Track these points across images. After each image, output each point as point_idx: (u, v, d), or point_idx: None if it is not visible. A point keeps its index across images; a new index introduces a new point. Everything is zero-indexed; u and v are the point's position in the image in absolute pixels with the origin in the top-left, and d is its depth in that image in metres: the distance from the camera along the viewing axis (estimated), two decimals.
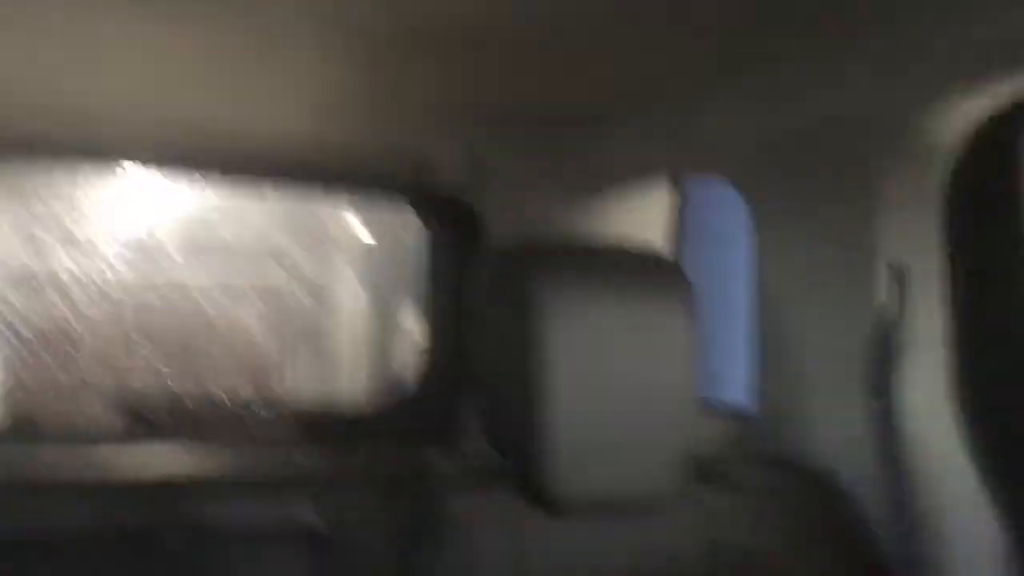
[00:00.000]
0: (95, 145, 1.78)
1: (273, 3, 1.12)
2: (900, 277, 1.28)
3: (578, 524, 1.18)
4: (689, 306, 1.19)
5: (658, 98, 1.49)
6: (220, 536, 1.18)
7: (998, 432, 1.25)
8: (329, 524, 1.18)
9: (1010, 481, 1.23)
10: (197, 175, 1.85)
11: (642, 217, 1.86)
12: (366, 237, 7.05)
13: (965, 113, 1.19)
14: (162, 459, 1.33)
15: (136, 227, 6.62)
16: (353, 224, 6.95)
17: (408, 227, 2.31)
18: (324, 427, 2.16)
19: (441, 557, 1.14)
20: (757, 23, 1.13)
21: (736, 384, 1.81)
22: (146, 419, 2.03)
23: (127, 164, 1.93)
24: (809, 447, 1.40)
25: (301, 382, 7.50)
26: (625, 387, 1.15)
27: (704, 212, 1.96)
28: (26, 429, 2.00)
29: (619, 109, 1.55)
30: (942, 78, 1.17)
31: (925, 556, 1.24)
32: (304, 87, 1.48)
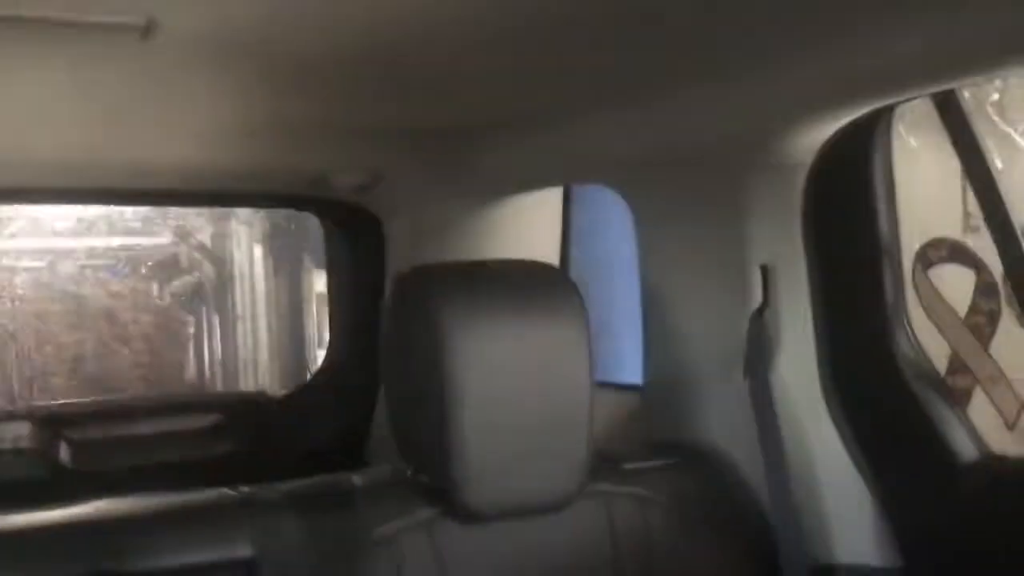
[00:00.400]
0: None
1: (171, 40, 1.15)
2: (768, 273, 1.41)
3: (491, 530, 1.25)
4: (579, 312, 1.28)
5: (549, 112, 1.56)
6: (165, 574, 1.19)
7: (859, 406, 1.40)
8: (260, 551, 1.21)
9: (872, 449, 1.38)
10: (113, 203, 1.85)
11: (534, 220, 1.96)
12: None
13: (819, 132, 1.32)
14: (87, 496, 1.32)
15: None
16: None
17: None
18: (235, 421, 2.19)
19: (368, 570, 1.20)
20: (641, 47, 1.22)
21: (630, 366, 1.94)
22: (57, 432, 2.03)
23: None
24: (693, 429, 1.51)
25: (204, 370, 7.36)
26: (527, 395, 1.24)
27: (594, 212, 2.08)
28: None
29: (512, 122, 1.63)
30: (799, 103, 1.29)
31: (808, 526, 1.37)
32: (204, 116, 1.51)
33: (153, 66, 1.25)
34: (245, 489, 1.29)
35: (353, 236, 2.07)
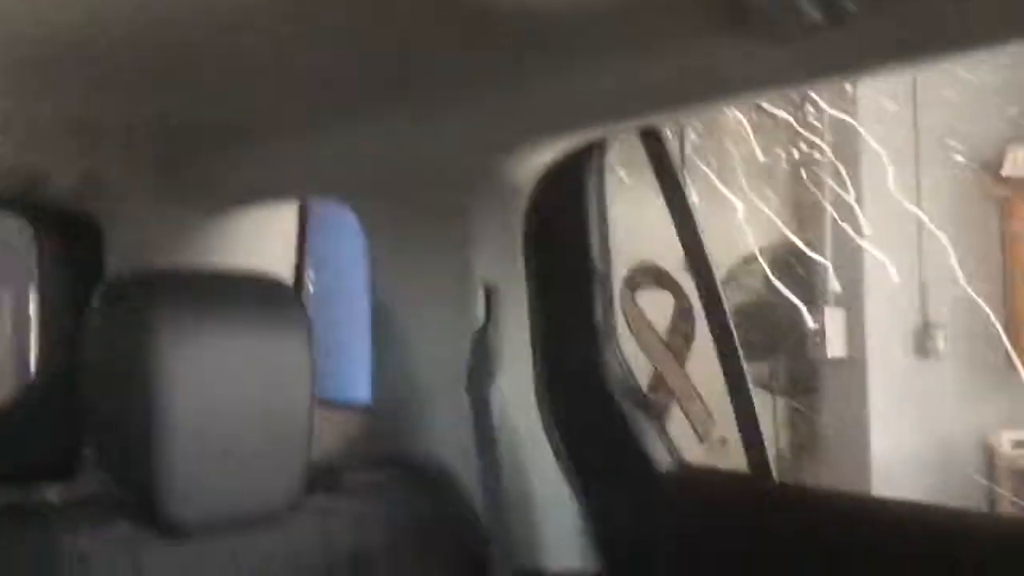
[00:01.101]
0: None
1: None
2: (491, 293, 1.47)
3: (198, 545, 1.22)
4: (303, 326, 1.27)
5: (284, 123, 1.56)
6: None
7: (569, 420, 1.48)
8: None
9: (580, 461, 1.47)
10: None
11: (269, 236, 1.93)
12: None
13: (539, 159, 1.40)
14: None
15: None
16: None
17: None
18: None
19: None
20: (373, 64, 1.25)
21: (362, 383, 1.95)
22: None
23: None
24: (418, 443, 1.53)
25: None
26: (243, 409, 1.22)
27: (335, 232, 2.07)
28: None
29: (245, 130, 1.61)
30: (518, 131, 1.36)
31: (519, 535, 1.42)
32: None
33: None
34: None
35: (70, 245, 1.95)
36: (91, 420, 1.27)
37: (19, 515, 1.21)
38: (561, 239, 1.45)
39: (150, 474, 1.17)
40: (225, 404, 1.21)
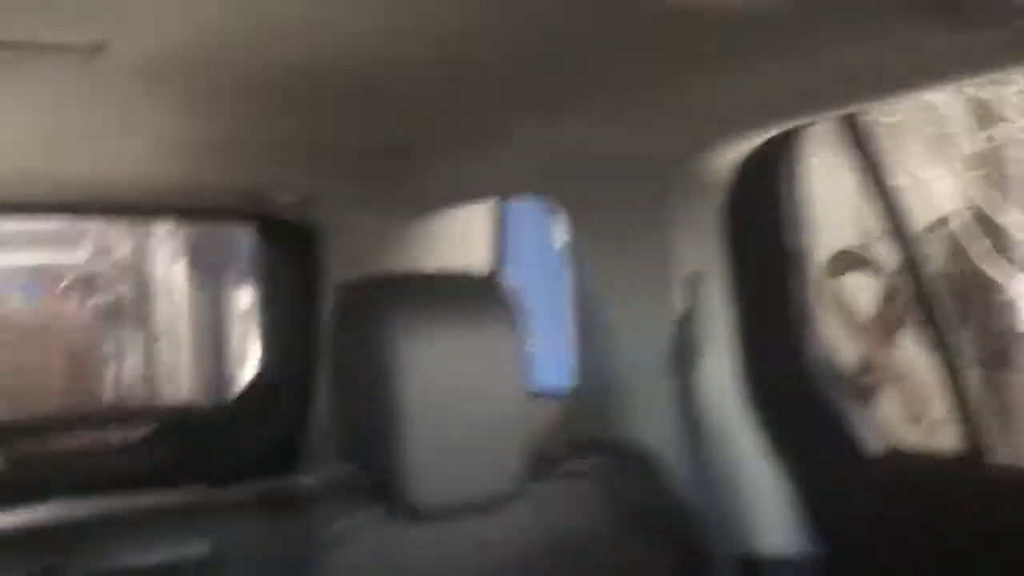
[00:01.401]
0: None
1: (117, 60, 1.19)
2: (692, 281, 1.51)
3: (436, 527, 1.31)
4: (515, 320, 1.35)
5: (481, 128, 1.64)
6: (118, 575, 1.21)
7: (774, 405, 1.50)
8: (216, 553, 1.25)
9: (788, 446, 1.48)
10: (39, 215, 1.86)
11: (468, 233, 2.03)
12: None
13: (737, 149, 1.42)
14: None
15: None
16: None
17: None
18: (171, 432, 2.20)
19: (325, 570, 1.25)
20: (567, 65, 1.30)
21: (559, 371, 2.01)
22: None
23: None
24: (622, 430, 1.58)
25: (131, 383, 7.22)
26: (467, 399, 1.30)
27: (522, 222, 2.15)
28: None
29: (444, 139, 1.70)
30: (718, 122, 1.39)
31: (731, 521, 1.45)
32: (147, 133, 1.55)
33: (99, 84, 1.29)
34: (198, 491, 1.33)
35: (288, 252, 2.10)
36: (336, 412, 1.38)
37: (277, 501, 1.33)
38: (760, 225, 1.47)
39: (392, 460, 1.27)
40: (451, 395, 1.29)
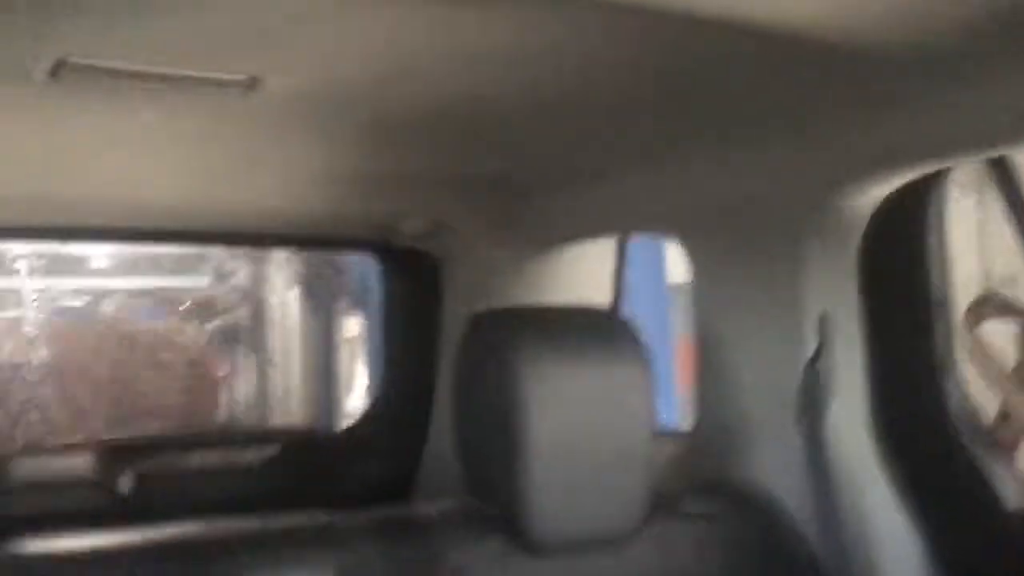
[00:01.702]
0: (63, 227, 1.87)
1: (269, 97, 1.24)
2: (824, 322, 1.47)
3: (556, 563, 1.30)
4: (643, 359, 1.35)
5: (608, 163, 1.64)
6: None
7: (908, 454, 1.44)
8: (341, 575, 1.24)
9: (921, 497, 1.43)
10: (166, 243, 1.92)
11: (588, 268, 2.03)
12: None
13: (877, 190, 1.39)
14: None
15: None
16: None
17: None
18: (289, 457, 2.24)
19: None
20: (699, 105, 1.30)
21: (668, 410, 1.97)
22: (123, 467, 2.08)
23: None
24: (744, 472, 1.55)
25: (246, 406, 7.42)
26: (593, 434, 1.30)
27: (636, 258, 2.15)
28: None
29: (571, 173, 1.71)
30: (857, 163, 1.36)
31: (855, 567, 1.40)
32: (290, 165, 1.60)
33: (250, 119, 1.34)
34: (323, 515, 1.34)
35: (412, 280, 2.14)
36: (458, 442, 1.39)
37: (396, 529, 1.33)
38: (898, 269, 1.43)
39: (516, 494, 1.27)
40: (578, 431, 1.29)
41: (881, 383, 1.45)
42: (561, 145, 1.55)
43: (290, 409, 7.14)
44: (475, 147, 1.55)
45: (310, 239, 2.20)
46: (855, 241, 1.44)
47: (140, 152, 1.49)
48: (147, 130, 1.38)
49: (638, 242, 2.29)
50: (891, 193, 1.39)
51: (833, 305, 1.46)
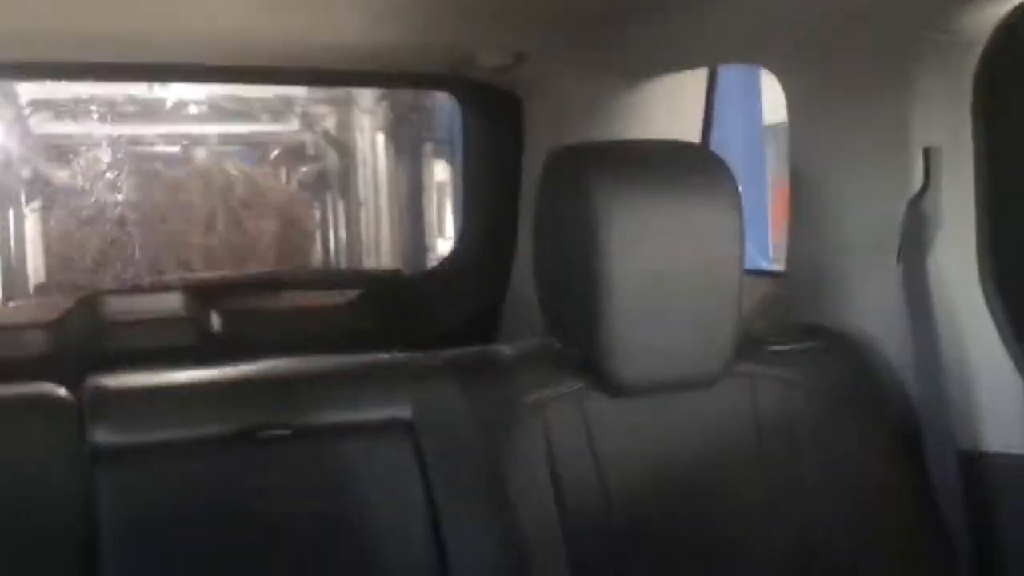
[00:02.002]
0: (148, 59, 1.84)
1: None
2: (931, 156, 1.37)
3: (638, 403, 1.29)
4: (733, 195, 1.28)
5: None
6: (324, 430, 1.24)
7: (1018, 295, 1.36)
8: (419, 412, 1.26)
9: None
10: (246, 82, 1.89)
11: (677, 102, 1.93)
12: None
13: (993, 5, 1.26)
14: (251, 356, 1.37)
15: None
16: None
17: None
18: (373, 297, 2.26)
19: (521, 438, 1.25)
20: None
21: (760, 250, 1.90)
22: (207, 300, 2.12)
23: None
24: (841, 313, 1.49)
25: (335, 250, 7.57)
26: (679, 274, 1.25)
27: (728, 91, 2.04)
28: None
29: (659, 0, 1.61)
30: None
31: (956, 413, 1.36)
32: None
33: None
34: (402, 355, 1.34)
35: (493, 118, 2.08)
36: (539, 283, 1.35)
37: (485, 367, 1.33)
38: (1019, 97, 1.31)
39: (597, 334, 1.24)
40: (662, 270, 1.25)
41: (992, 222, 1.37)
42: None
43: (379, 253, 7.24)
44: None
45: (389, 75, 2.14)
46: (969, 67, 1.33)
47: None
48: None
49: (732, 77, 2.18)
50: (1013, 11, 1.26)
51: (942, 138, 1.36)
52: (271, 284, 2.40)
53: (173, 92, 6.94)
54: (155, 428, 1.20)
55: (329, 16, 1.63)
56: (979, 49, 1.31)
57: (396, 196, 7.40)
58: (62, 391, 1.22)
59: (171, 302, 2.09)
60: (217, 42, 1.73)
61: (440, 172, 7.48)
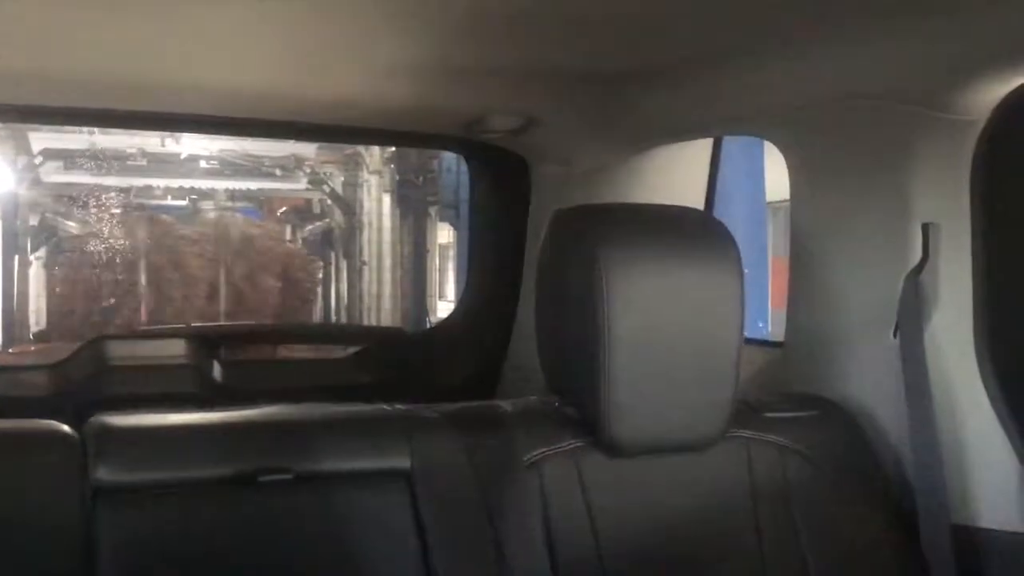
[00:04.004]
0: (158, 108, 1.87)
1: None
2: (929, 232, 1.39)
3: (634, 463, 1.29)
4: (735, 262, 1.30)
5: (704, 60, 1.56)
6: (324, 477, 1.24)
7: (1014, 370, 1.37)
8: (418, 464, 1.26)
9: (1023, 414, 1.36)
10: (261, 136, 1.92)
11: (682, 170, 1.96)
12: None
13: (997, 88, 1.29)
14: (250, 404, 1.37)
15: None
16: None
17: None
18: (373, 352, 2.26)
19: (517, 493, 1.26)
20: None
21: (759, 320, 1.91)
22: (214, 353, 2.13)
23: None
24: (837, 384, 1.50)
25: (338, 306, 7.58)
26: (679, 338, 1.27)
27: (733, 166, 2.07)
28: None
29: (667, 70, 1.64)
30: (976, 55, 1.26)
31: (950, 488, 1.35)
32: (376, 54, 1.57)
33: (339, 5, 1.31)
34: (402, 407, 1.35)
35: (501, 179, 2.11)
36: (540, 342, 1.37)
37: (485, 422, 1.33)
38: (1018, 174, 1.34)
39: (596, 394, 1.25)
40: (662, 333, 1.26)
41: (988, 298, 1.38)
42: (655, 37, 1.48)
43: (381, 312, 7.27)
44: (566, 40, 1.49)
45: (401, 134, 2.17)
46: (969, 145, 1.35)
47: (229, 40, 1.48)
48: (237, 17, 1.36)
49: (737, 152, 2.21)
50: (1012, 92, 1.29)
51: (941, 214, 1.38)
52: (273, 336, 2.41)
53: (185, 147, 7.04)
54: (157, 468, 1.20)
55: (345, 74, 1.67)
56: (979, 128, 1.34)
57: (399, 256, 7.45)
58: (66, 428, 1.23)
59: (174, 348, 2.10)
60: (230, 94, 1.76)
61: (443, 235, 7.54)
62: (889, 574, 1.35)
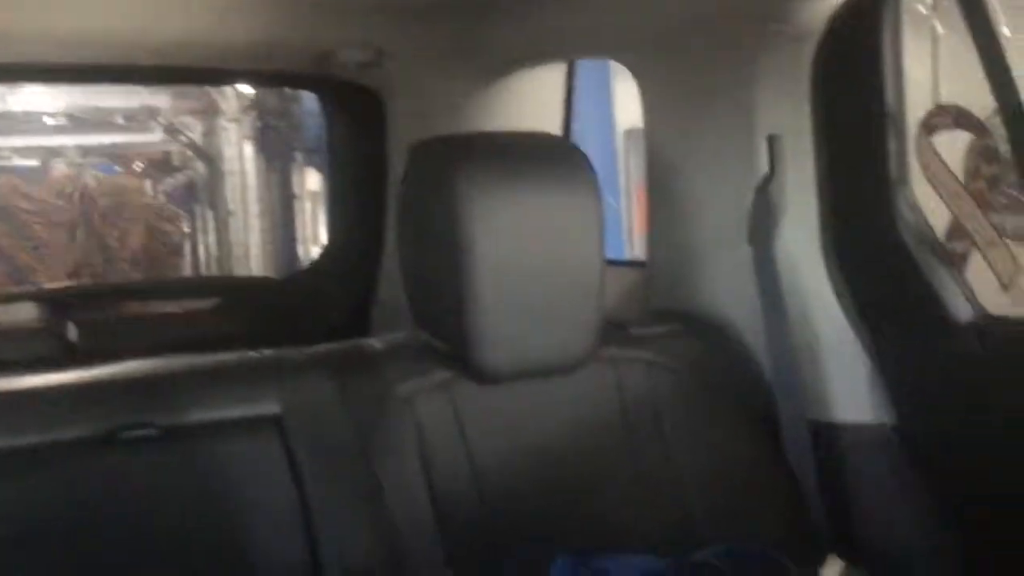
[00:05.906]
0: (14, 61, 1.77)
1: None
2: (774, 143, 1.43)
3: (506, 391, 1.30)
4: (593, 185, 1.31)
5: None
6: (190, 430, 1.21)
7: (859, 270, 1.43)
8: (289, 409, 1.24)
9: (870, 312, 1.43)
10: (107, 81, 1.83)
11: (538, 96, 1.96)
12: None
13: (826, 3, 1.33)
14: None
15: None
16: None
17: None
18: (239, 302, 2.21)
19: (392, 430, 1.26)
20: None
21: (614, 240, 1.93)
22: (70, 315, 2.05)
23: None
24: (698, 298, 1.55)
25: (203, 259, 7.38)
26: (542, 263, 1.27)
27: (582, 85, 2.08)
28: None
29: None
30: None
31: (807, 388, 1.42)
32: None
33: None
34: (269, 352, 1.33)
35: (355, 116, 2.06)
36: (405, 277, 1.36)
37: (354, 361, 1.32)
38: (852, 83, 1.38)
39: (464, 325, 1.25)
40: (527, 261, 1.26)
41: (833, 200, 1.43)
42: None
43: (251, 262, 7.12)
44: None
45: (251, 73, 2.11)
46: (807, 56, 1.38)
47: None
48: None
49: (587, 77, 2.21)
50: (844, 4, 1.32)
51: (784, 124, 1.42)
52: (133, 293, 2.33)
53: (28, 102, 6.68)
54: (13, 433, 1.15)
55: (188, 11, 1.60)
56: (815, 39, 1.37)
57: (265, 205, 7.28)
58: None
59: (24, 312, 2.01)
60: (73, 39, 1.67)
61: (312, 181, 7.39)
62: (757, 477, 1.40)
